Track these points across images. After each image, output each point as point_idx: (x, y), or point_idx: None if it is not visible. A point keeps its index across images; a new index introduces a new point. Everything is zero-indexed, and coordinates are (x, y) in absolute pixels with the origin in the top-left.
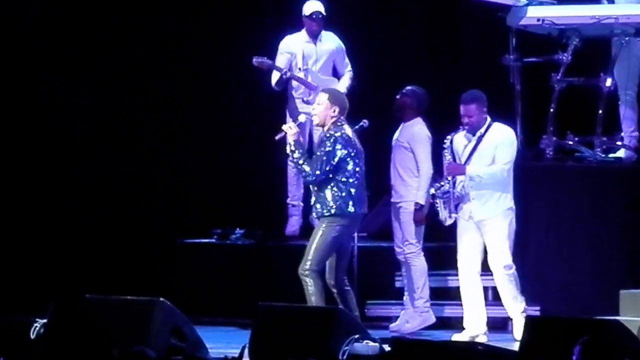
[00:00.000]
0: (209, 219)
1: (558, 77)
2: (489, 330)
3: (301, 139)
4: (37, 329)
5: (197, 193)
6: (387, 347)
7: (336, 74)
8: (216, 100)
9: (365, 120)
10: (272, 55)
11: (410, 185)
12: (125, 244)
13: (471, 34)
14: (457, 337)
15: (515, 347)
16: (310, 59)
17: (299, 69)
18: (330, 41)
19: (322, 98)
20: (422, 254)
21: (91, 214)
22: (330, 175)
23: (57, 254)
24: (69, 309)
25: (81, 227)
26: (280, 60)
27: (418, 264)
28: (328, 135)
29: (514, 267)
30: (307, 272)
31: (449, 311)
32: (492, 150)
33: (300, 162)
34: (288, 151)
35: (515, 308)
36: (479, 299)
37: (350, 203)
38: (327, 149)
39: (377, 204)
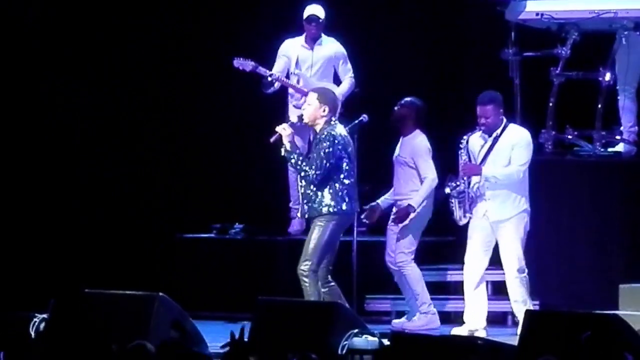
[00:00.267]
0: (209, 214)
1: (557, 72)
2: (488, 325)
3: (296, 139)
4: (37, 324)
5: (197, 188)
6: (386, 342)
7: (338, 80)
8: (215, 97)
9: (364, 115)
10: (273, 58)
11: (412, 198)
12: (124, 239)
13: (470, 28)
14: (456, 330)
15: (515, 341)
16: (305, 64)
17: (291, 72)
18: (329, 47)
19: (312, 98)
20: (414, 260)
21: (91, 210)
22: (327, 176)
23: (57, 250)
24: (69, 305)
25: (81, 223)
26: (278, 64)
27: (411, 271)
28: (325, 134)
29: (527, 270)
30: (307, 272)
31: (448, 306)
32: (508, 151)
33: (299, 162)
34: (283, 153)
35: (523, 311)
36: (482, 295)
37: (346, 201)
38: (327, 149)
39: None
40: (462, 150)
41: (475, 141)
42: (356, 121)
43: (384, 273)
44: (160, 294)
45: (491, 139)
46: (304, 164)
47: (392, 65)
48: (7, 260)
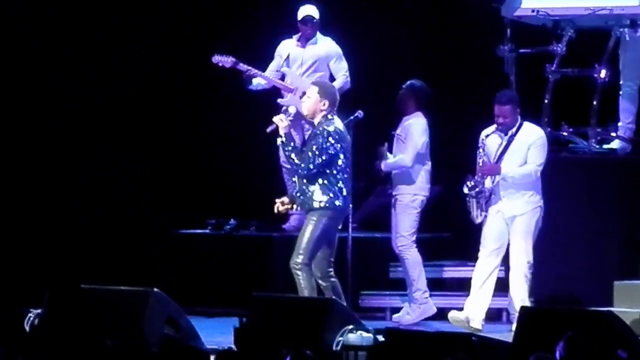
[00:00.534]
0: (204, 209)
1: (552, 68)
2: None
3: (293, 132)
4: (31, 319)
5: (192, 184)
6: (381, 338)
7: (334, 79)
8: (211, 93)
9: (360, 111)
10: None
11: (407, 177)
12: (119, 234)
13: (466, 25)
14: (454, 313)
15: (510, 338)
16: (296, 62)
17: (277, 70)
18: (323, 46)
19: (312, 91)
20: (415, 246)
21: (86, 206)
22: (322, 169)
23: (53, 246)
24: (63, 299)
25: (76, 219)
26: (273, 63)
27: (410, 256)
28: (321, 129)
29: (532, 269)
30: (299, 266)
31: (444, 302)
32: (524, 150)
33: (293, 155)
34: (279, 143)
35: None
36: (488, 291)
37: (340, 196)
38: (321, 143)
39: (371, 195)
40: (481, 149)
41: (492, 140)
42: (352, 117)
43: (379, 269)
44: (155, 289)
45: (507, 137)
46: (297, 157)
47: (388, 62)
48: (3, 256)
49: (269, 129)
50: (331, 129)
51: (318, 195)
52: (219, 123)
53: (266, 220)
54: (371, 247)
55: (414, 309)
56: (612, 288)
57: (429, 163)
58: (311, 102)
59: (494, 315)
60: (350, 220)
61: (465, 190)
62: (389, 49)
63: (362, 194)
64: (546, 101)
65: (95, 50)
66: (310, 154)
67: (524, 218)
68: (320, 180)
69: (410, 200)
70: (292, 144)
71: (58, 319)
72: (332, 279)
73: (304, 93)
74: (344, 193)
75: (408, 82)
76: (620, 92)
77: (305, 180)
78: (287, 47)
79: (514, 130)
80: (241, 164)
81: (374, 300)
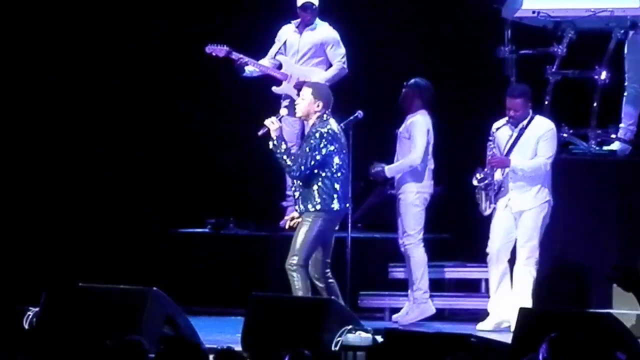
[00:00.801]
0: (203, 209)
1: (553, 70)
2: (482, 321)
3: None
4: (30, 318)
5: (191, 183)
6: (380, 338)
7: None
8: (211, 93)
9: (359, 112)
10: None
11: (410, 175)
12: (119, 233)
13: (466, 26)
14: (482, 325)
15: (508, 339)
16: (292, 49)
17: (273, 58)
18: (319, 32)
19: (306, 93)
20: (422, 244)
21: (86, 205)
22: (316, 171)
23: (52, 245)
24: (61, 298)
25: (75, 219)
26: (273, 48)
27: (416, 255)
28: (314, 130)
29: (537, 265)
30: (294, 267)
31: (444, 303)
32: (533, 143)
33: (284, 157)
34: (271, 146)
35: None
36: (507, 291)
37: (335, 199)
38: (313, 144)
39: (370, 195)
40: (491, 142)
41: (502, 132)
42: (351, 117)
43: (378, 270)
44: (154, 288)
45: (517, 130)
46: (289, 160)
47: (388, 62)
48: (3, 255)
49: (260, 132)
50: (324, 130)
51: (313, 198)
52: (218, 123)
53: (265, 220)
54: (370, 247)
55: (413, 309)
56: (612, 290)
57: (432, 161)
58: (305, 104)
59: None
60: (350, 220)
61: (475, 182)
62: (389, 50)
63: (361, 193)
64: (546, 102)
65: (95, 50)
66: (302, 155)
67: (532, 213)
68: (315, 183)
69: (413, 198)
70: (283, 146)
71: (56, 317)
72: (330, 280)
73: (298, 81)
74: (340, 195)
75: (412, 80)
76: (625, 94)
77: (300, 183)
78: (286, 32)
79: (524, 123)
80: (241, 163)
81: (373, 301)
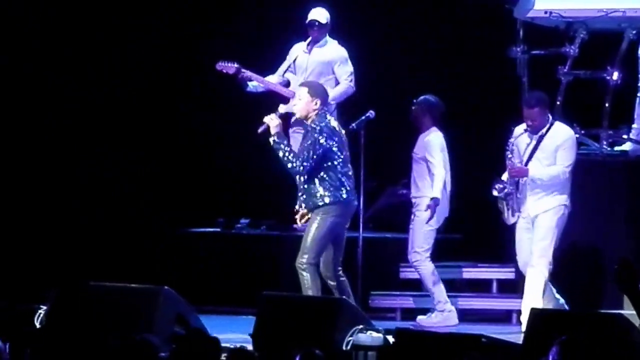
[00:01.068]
0: (214, 208)
1: (565, 70)
2: (492, 323)
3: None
4: (41, 316)
5: (202, 182)
6: (391, 338)
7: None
8: (214, 92)
9: (371, 111)
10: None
11: (426, 196)
12: (130, 232)
13: (478, 26)
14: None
15: (519, 339)
16: (301, 68)
17: (282, 76)
18: (327, 50)
19: (302, 92)
20: (429, 260)
21: (97, 204)
22: (318, 165)
23: (63, 243)
24: (71, 296)
25: (87, 218)
26: (284, 64)
27: (423, 270)
28: (313, 126)
29: (550, 266)
30: (305, 266)
31: (457, 303)
32: (552, 151)
33: (286, 153)
34: (272, 143)
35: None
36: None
37: (343, 190)
38: (313, 140)
39: (382, 194)
40: (509, 152)
41: (522, 139)
42: (363, 117)
43: (389, 269)
44: (165, 287)
45: (536, 137)
46: (290, 155)
47: (400, 63)
48: (14, 254)
49: (260, 130)
50: (323, 124)
51: (320, 192)
52: (230, 121)
53: (277, 220)
54: (382, 247)
55: (437, 315)
56: None
57: (450, 182)
58: (303, 104)
59: (503, 317)
60: (362, 220)
61: (495, 192)
62: (401, 51)
63: (373, 193)
64: (558, 103)
65: (95, 50)
66: (303, 150)
67: (547, 215)
68: (319, 178)
69: (427, 217)
70: (284, 142)
71: (67, 315)
72: (342, 279)
73: None
74: (347, 187)
75: (422, 98)
76: (638, 95)
77: (303, 179)
78: (296, 51)
79: (544, 130)
80: (252, 162)
81: (384, 301)
